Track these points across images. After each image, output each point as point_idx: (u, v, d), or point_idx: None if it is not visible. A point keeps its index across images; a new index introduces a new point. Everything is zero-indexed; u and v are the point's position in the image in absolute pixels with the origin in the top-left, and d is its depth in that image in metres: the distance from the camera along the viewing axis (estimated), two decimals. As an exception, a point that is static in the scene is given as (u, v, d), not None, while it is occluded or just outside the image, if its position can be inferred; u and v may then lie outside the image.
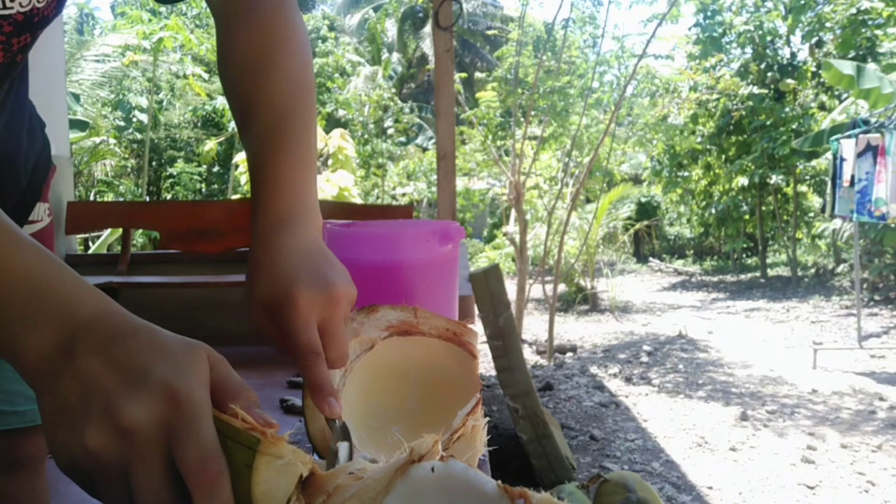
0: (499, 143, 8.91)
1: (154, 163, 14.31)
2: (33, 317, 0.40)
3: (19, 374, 0.41)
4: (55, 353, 0.40)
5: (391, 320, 0.63)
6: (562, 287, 9.13)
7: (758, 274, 12.10)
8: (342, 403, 0.54)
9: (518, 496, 0.38)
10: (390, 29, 20.30)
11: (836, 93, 10.46)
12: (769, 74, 10.90)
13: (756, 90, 10.46)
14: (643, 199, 14.96)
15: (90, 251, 7.69)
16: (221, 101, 13.94)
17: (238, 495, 0.38)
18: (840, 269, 10.43)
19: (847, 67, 6.70)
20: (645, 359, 6.04)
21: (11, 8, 0.58)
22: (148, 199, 13.09)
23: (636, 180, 14.92)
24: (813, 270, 11.37)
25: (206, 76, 14.50)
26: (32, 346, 0.40)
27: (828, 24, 9.83)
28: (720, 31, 11.48)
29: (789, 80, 10.66)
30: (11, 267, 0.41)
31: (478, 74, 12.50)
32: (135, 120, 12.61)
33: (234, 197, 10.85)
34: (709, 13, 11.60)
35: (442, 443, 0.48)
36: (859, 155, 5.22)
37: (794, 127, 10.17)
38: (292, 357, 0.57)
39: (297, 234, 0.59)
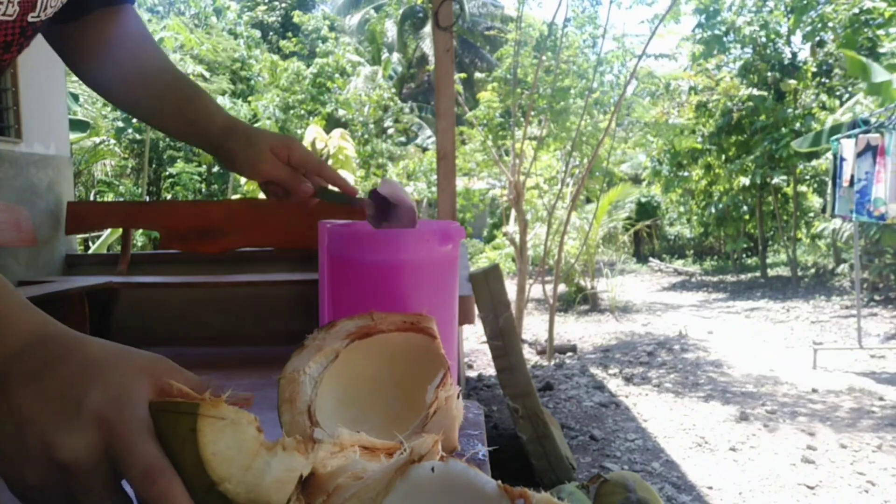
0: (499, 143, 8.91)
1: (154, 163, 14.30)
2: None
3: None
4: None
5: (350, 329, 0.63)
6: (562, 287, 9.13)
7: (758, 274, 12.10)
8: (317, 419, 0.56)
9: (518, 496, 0.38)
10: (390, 29, 20.29)
11: (837, 93, 10.46)
12: (770, 74, 10.89)
13: (756, 91, 10.46)
14: (643, 199, 14.95)
15: (90, 251, 7.69)
16: (222, 101, 13.94)
17: (191, 461, 0.38)
18: (840, 269, 10.43)
19: (863, 59, 6.75)
20: (645, 359, 6.04)
21: (41, 17, 0.65)
22: (148, 199, 13.08)
23: (636, 180, 14.91)
24: (813, 270, 11.37)
25: (206, 75, 14.49)
26: None
27: (829, 24, 9.83)
28: (723, 29, 11.48)
29: (790, 80, 10.66)
30: None
31: (477, 74, 12.50)
32: (134, 120, 12.61)
33: (234, 197, 10.85)
34: (710, 12, 11.60)
35: (420, 421, 0.49)
36: (859, 155, 5.22)
37: (795, 127, 10.17)
38: (304, 182, 0.82)
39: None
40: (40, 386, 0.39)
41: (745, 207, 11.49)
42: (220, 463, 0.38)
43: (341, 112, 13.36)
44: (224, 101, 13.95)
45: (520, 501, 0.38)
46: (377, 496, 0.39)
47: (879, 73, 6.55)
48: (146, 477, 0.37)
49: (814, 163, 10.20)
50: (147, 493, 0.37)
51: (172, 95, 0.83)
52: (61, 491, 0.38)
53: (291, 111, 13.72)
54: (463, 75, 13.48)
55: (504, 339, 2.94)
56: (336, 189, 0.86)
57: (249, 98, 14.91)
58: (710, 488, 3.24)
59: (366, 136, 12.45)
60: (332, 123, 13.25)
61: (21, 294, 0.44)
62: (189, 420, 0.38)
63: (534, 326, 7.97)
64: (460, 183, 10.37)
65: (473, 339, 6.84)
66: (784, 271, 11.82)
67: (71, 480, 0.38)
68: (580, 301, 9.36)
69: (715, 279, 12.23)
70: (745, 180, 10.81)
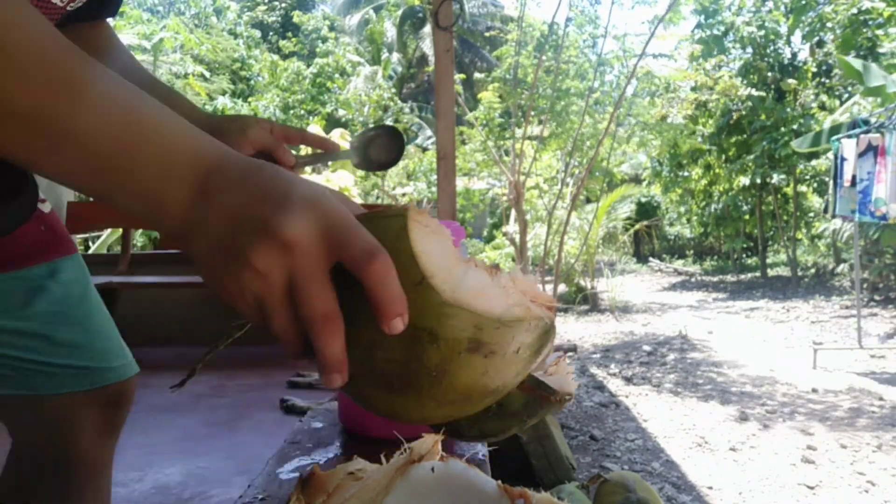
0: (499, 143, 8.91)
1: (154, 163, 14.28)
2: (168, 172, 0.42)
3: (164, 231, 0.43)
4: (195, 199, 0.42)
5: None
6: (562, 287, 9.13)
7: (758, 274, 12.10)
8: None
9: (518, 496, 0.38)
10: (390, 29, 20.29)
11: (837, 93, 10.46)
12: (770, 74, 10.90)
13: (755, 92, 10.46)
14: (643, 199, 14.95)
15: (90, 251, 7.69)
16: (222, 101, 13.94)
17: (404, 255, 0.41)
18: (840, 269, 10.43)
19: (857, 63, 6.75)
20: (645, 359, 6.04)
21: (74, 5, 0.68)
22: (148, 198, 13.07)
23: (636, 180, 14.92)
24: (813, 270, 11.37)
25: (206, 75, 14.49)
26: (173, 197, 0.42)
27: (829, 25, 9.83)
28: (722, 30, 11.48)
29: (790, 80, 10.66)
30: (144, 128, 0.42)
31: (477, 75, 12.49)
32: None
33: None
34: (709, 12, 11.60)
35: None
36: (861, 155, 5.22)
37: (794, 127, 10.17)
38: (287, 151, 0.83)
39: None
40: (247, 188, 0.42)
41: (744, 207, 11.49)
42: (429, 259, 0.40)
43: (341, 112, 13.36)
44: (224, 101, 13.95)
45: (520, 501, 0.38)
46: (377, 496, 0.39)
47: (875, 77, 6.55)
48: (368, 254, 0.39)
49: (814, 163, 10.20)
50: (368, 266, 0.39)
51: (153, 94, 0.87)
52: (282, 274, 0.40)
53: (291, 111, 13.72)
54: (463, 76, 13.47)
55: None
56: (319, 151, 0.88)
57: (249, 98, 14.91)
58: (710, 488, 3.24)
59: (366, 136, 12.44)
60: (332, 123, 13.25)
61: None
62: (400, 221, 0.42)
63: (534, 326, 7.96)
64: (460, 183, 10.37)
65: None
66: (784, 271, 11.82)
67: (294, 260, 0.39)
68: (580, 301, 9.36)
69: (715, 279, 12.23)
70: (744, 180, 10.81)
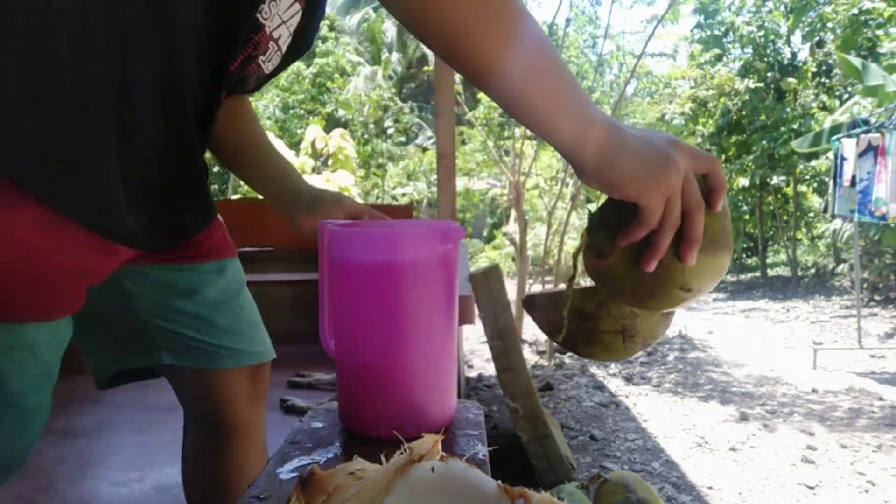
0: (499, 143, 8.91)
1: (154, 163, 14.29)
2: (563, 110, 0.62)
3: (558, 145, 0.64)
4: (610, 139, 0.63)
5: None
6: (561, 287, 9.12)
7: (758, 274, 12.10)
8: None
9: (518, 496, 0.38)
10: (390, 29, 20.29)
11: (837, 93, 10.46)
12: (770, 74, 10.90)
13: (752, 84, 10.46)
14: (643, 199, 14.94)
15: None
16: (221, 101, 13.93)
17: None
18: (840, 269, 10.43)
19: (857, 62, 6.75)
20: (645, 359, 6.04)
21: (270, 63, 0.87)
22: (148, 198, 13.06)
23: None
24: (813, 270, 11.37)
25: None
26: (564, 126, 0.63)
27: (829, 24, 9.83)
28: (722, 30, 11.49)
29: (790, 80, 10.66)
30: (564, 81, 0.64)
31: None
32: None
33: (234, 197, 10.85)
34: (709, 12, 11.60)
35: None
36: (861, 155, 5.22)
37: (794, 127, 10.17)
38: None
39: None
40: (639, 136, 0.64)
41: (745, 207, 11.49)
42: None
43: (341, 112, 13.37)
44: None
45: (520, 501, 0.38)
46: (377, 496, 0.39)
47: (874, 76, 6.55)
48: (697, 203, 0.62)
49: (814, 163, 10.21)
50: (695, 214, 0.62)
51: (270, 163, 1.11)
52: (674, 193, 0.62)
53: (291, 111, 13.72)
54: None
55: (504, 339, 2.94)
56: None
57: (249, 98, 14.92)
58: (710, 488, 3.24)
59: (366, 136, 12.45)
60: (332, 123, 13.25)
61: None
62: None
63: (534, 326, 7.96)
64: (460, 183, 10.37)
65: (473, 339, 6.84)
66: (784, 271, 11.83)
67: (679, 185, 0.62)
68: (580, 301, 9.34)
69: (715, 279, 12.22)
70: (744, 180, 10.82)
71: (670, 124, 10.62)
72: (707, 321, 8.04)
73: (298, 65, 13.90)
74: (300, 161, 10.46)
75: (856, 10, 9.10)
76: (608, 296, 0.69)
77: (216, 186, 15.04)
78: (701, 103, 11.12)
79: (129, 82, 0.66)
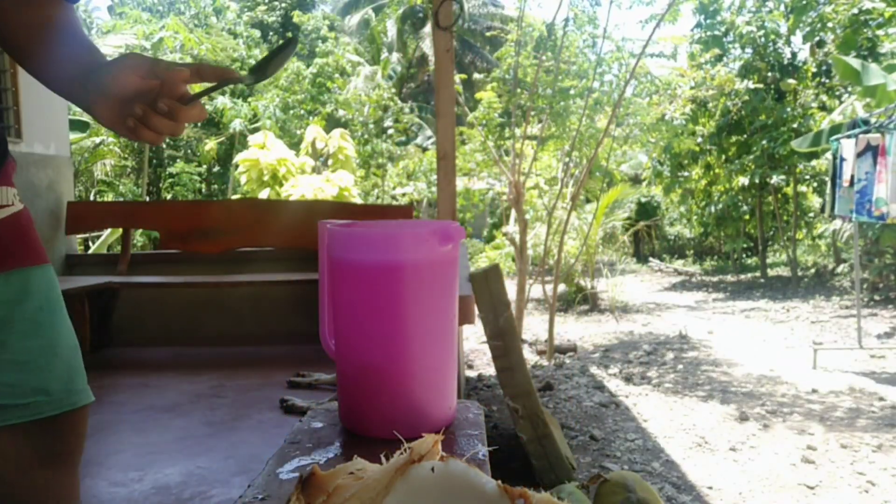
0: (499, 143, 8.91)
1: (154, 163, 14.29)
2: None
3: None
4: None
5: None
6: (562, 287, 9.13)
7: (758, 274, 12.10)
8: None
9: (518, 496, 0.38)
10: (390, 29, 20.29)
11: (837, 93, 10.46)
12: (770, 74, 10.90)
13: (752, 85, 10.46)
14: (643, 199, 14.95)
15: (90, 251, 7.68)
16: (222, 101, 13.94)
17: None
18: (840, 269, 10.43)
19: (855, 63, 6.74)
20: (645, 359, 6.04)
21: None
22: (148, 199, 13.07)
23: (636, 180, 14.92)
24: (813, 270, 11.37)
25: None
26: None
27: (829, 24, 9.83)
28: (722, 30, 11.48)
29: (790, 80, 10.66)
30: None
31: (477, 75, 12.50)
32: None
33: (234, 197, 10.85)
34: (709, 12, 11.60)
35: None
36: (859, 155, 5.22)
37: (794, 127, 10.17)
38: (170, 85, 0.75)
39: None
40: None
41: (744, 207, 11.49)
42: None
43: (341, 112, 13.36)
44: (224, 101, 13.96)
45: (520, 501, 0.38)
46: (377, 496, 0.39)
47: (873, 76, 6.55)
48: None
49: (813, 163, 10.20)
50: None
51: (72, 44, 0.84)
52: None
53: (291, 111, 13.72)
54: (463, 76, 13.47)
55: (504, 339, 2.94)
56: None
57: (249, 98, 14.92)
58: (710, 488, 3.24)
59: (366, 136, 12.45)
60: (332, 123, 13.25)
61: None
62: None
63: (534, 326, 7.97)
64: (460, 183, 10.36)
65: (473, 339, 6.84)
66: (784, 271, 11.83)
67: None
68: (580, 301, 9.36)
69: (715, 279, 12.23)
70: (744, 180, 10.81)
71: (670, 124, 10.61)
72: (707, 321, 8.04)
73: (298, 65, 13.91)
74: (300, 161, 10.45)
75: (856, 10, 9.09)
76: None
77: (216, 186, 15.04)
78: (701, 103, 11.11)
79: None
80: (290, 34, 17.80)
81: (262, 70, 0.75)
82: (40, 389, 0.79)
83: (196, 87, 0.79)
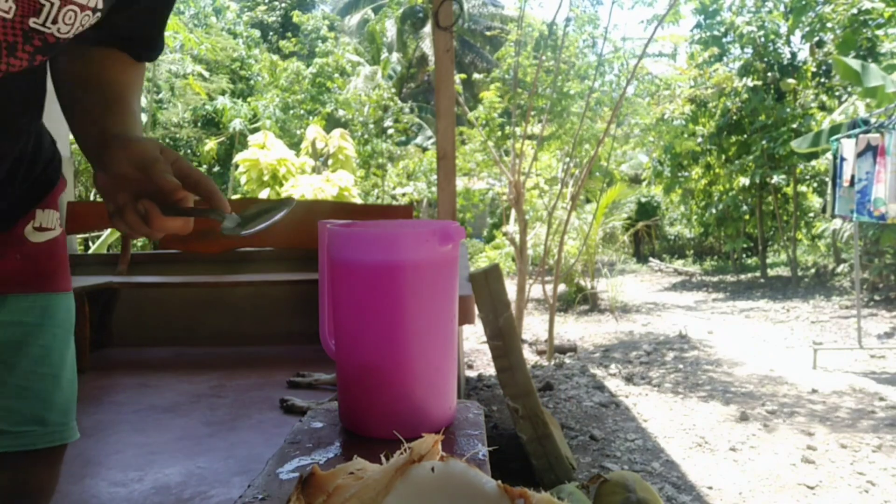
0: (499, 143, 8.91)
1: (154, 163, 14.27)
2: None
3: None
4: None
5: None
6: (562, 287, 9.13)
7: (758, 274, 12.10)
8: None
9: (518, 496, 0.38)
10: (390, 29, 20.29)
11: (837, 93, 10.46)
12: (770, 74, 10.90)
13: (751, 83, 10.46)
14: (643, 199, 14.95)
15: (90, 251, 7.68)
16: (222, 101, 13.94)
17: None
18: (840, 269, 10.43)
19: (855, 64, 6.74)
20: (645, 359, 6.04)
21: (49, 29, 0.64)
22: (148, 198, 13.04)
23: (636, 180, 14.92)
24: (813, 270, 11.37)
25: (206, 75, 14.48)
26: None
27: (828, 25, 9.83)
28: (722, 30, 11.49)
29: (790, 80, 10.66)
30: None
31: (476, 75, 12.50)
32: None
33: (235, 197, 10.84)
34: (709, 12, 11.60)
35: None
36: (859, 155, 5.22)
37: (794, 126, 10.17)
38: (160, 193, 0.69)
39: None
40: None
41: (744, 207, 11.49)
42: None
43: (341, 112, 13.36)
44: (224, 101, 13.96)
45: (520, 501, 0.38)
46: (377, 496, 0.40)
47: (873, 77, 6.54)
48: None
49: (813, 163, 10.20)
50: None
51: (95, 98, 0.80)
52: None
53: (291, 111, 13.72)
54: (463, 76, 13.47)
55: (504, 339, 2.94)
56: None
57: (249, 98, 14.92)
58: (710, 488, 3.24)
59: (366, 136, 12.45)
60: (332, 123, 13.24)
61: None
62: None
63: (534, 326, 7.97)
64: (460, 183, 10.37)
65: (473, 339, 6.84)
66: (784, 271, 11.82)
67: None
68: (580, 301, 9.36)
69: (715, 279, 12.23)
70: (744, 180, 10.81)
71: (670, 124, 10.62)
72: (707, 321, 8.04)
73: (298, 64, 13.91)
74: (300, 161, 10.45)
75: (855, 10, 9.09)
76: None
77: (216, 186, 15.03)
78: (701, 103, 11.11)
79: None
80: (290, 34, 17.81)
81: (251, 222, 0.70)
82: (37, 419, 0.77)
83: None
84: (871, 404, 4.50)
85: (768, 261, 12.63)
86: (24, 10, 0.61)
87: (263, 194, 9.42)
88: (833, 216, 6.14)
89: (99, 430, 2.24)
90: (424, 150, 14.58)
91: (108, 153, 0.71)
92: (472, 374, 5.47)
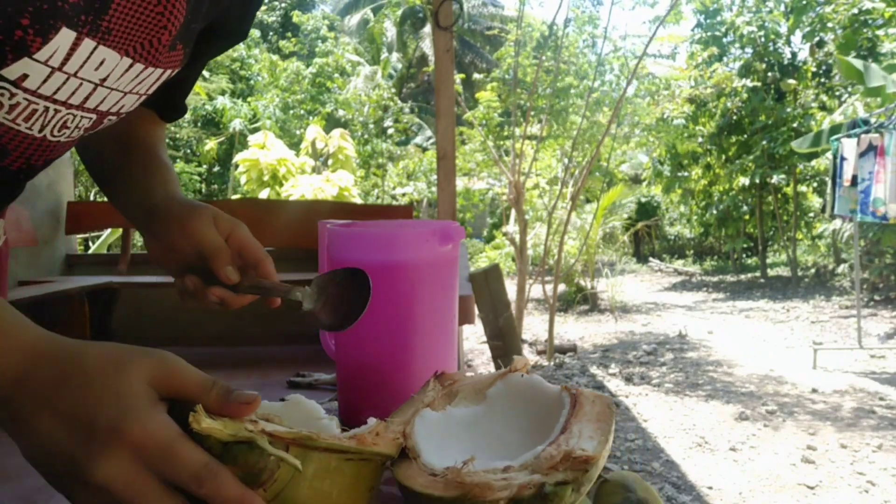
0: (499, 143, 8.91)
1: (154, 163, 14.27)
2: None
3: None
4: (4, 414, 0.40)
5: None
6: (562, 287, 9.13)
7: (758, 274, 12.10)
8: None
9: (572, 392, 0.57)
10: (389, 29, 20.30)
11: (837, 93, 10.46)
12: (770, 74, 10.90)
13: (750, 83, 10.47)
14: (643, 199, 14.95)
15: (90, 251, 7.69)
16: (222, 101, 13.94)
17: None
18: (840, 269, 10.43)
19: (858, 64, 6.74)
20: (645, 359, 6.04)
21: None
22: (148, 198, 13.04)
23: (636, 180, 14.91)
24: (813, 270, 11.37)
25: (206, 75, 14.48)
26: None
27: (829, 25, 9.83)
28: (722, 30, 11.49)
29: (790, 80, 10.66)
30: None
31: (476, 75, 12.51)
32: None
33: (234, 197, 10.85)
34: (709, 13, 11.60)
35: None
36: (861, 155, 5.22)
37: (794, 127, 10.17)
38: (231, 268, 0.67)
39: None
40: (51, 411, 0.39)
41: (745, 207, 11.49)
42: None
43: (341, 112, 13.36)
44: (224, 101, 13.96)
45: (569, 394, 0.57)
46: (483, 388, 0.62)
47: (875, 77, 6.54)
48: (196, 479, 0.39)
49: (813, 163, 10.21)
50: (201, 489, 0.39)
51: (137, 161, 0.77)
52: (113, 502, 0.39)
53: (291, 111, 13.72)
54: (462, 76, 13.48)
55: (504, 339, 2.94)
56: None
57: (249, 98, 14.91)
58: (710, 488, 3.24)
59: (366, 136, 12.45)
60: (332, 123, 13.24)
61: (10, 308, 0.43)
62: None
63: (534, 326, 7.97)
64: (460, 183, 10.37)
65: (473, 339, 6.84)
66: (784, 271, 11.82)
67: (119, 498, 0.38)
68: (580, 301, 9.36)
69: (715, 279, 12.23)
70: (744, 180, 10.81)
71: (670, 124, 10.62)
72: (707, 321, 8.04)
73: (298, 64, 13.92)
74: (300, 161, 10.46)
75: (856, 10, 9.10)
76: None
77: (216, 186, 15.04)
78: (701, 104, 11.11)
79: None
80: (290, 34, 17.79)
81: (322, 293, 0.66)
82: None
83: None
84: (872, 404, 4.50)
85: (768, 261, 12.63)
86: (95, 125, 0.60)
87: (263, 194, 9.42)
88: (833, 216, 6.14)
89: (99, 430, 2.24)
90: (424, 150, 14.58)
91: (160, 225, 0.69)
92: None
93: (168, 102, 0.77)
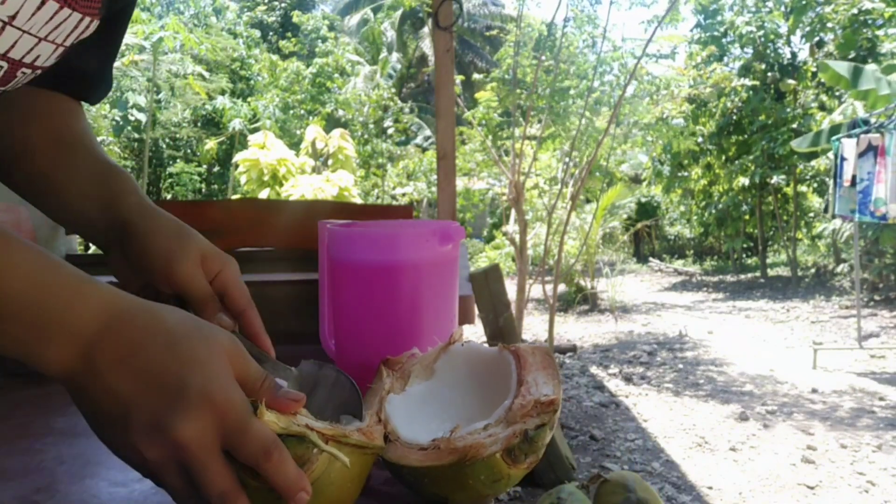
0: (499, 143, 8.91)
1: (154, 162, 14.30)
2: (43, 333, 0.40)
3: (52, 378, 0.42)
4: (79, 366, 0.41)
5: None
6: (562, 287, 9.13)
7: (758, 274, 12.10)
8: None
9: (511, 351, 0.61)
10: (389, 29, 20.30)
11: (837, 93, 10.47)
12: (770, 74, 10.90)
13: (749, 82, 10.47)
14: (643, 199, 14.95)
15: (90, 251, 7.68)
16: (221, 101, 13.94)
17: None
18: (840, 269, 10.43)
19: (843, 69, 6.70)
20: (645, 359, 6.04)
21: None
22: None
23: (636, 180, 14.91)
24: (813, 270, 11.37)
25: (206, 75, 14.48)
26: (53, 359, 0.41)
27: (829, 25, 9.83)
28: (721, 30, 11.49)
29: (790, 80, 10.66)
30: (9, 283, 0.40)
31: (476, 75, 12.51)
32: (132, 119, 12.59)
33: (234, 197, 10.85)
34: (709, 13, 11.60)
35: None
36: (861, 155, 5.22)
37: (794, 127, 10.17)
38: (220, 314, 0.62)
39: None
40: (133, 368, 0.41)
41: (745, 207, 11.49)
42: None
43: (341, 112, 13.36)
44: (223, 101, 13.96)
45: (509, 351, 0.61)
46: (430, 363, 0.64)
47: (864, 80, 6.52)
48: (265, 453, 0.41)
49: (813, 163, 10.21)
50: (266, 464, 0.41)
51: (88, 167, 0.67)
52: (175, 464, 0.41)
53: (291, 111, 13.72)
54: (462, 76, 13.47)
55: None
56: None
57: (249, 98, 14.91)
58: (710, 488, 3.24)
59: (366, 136, 12.45)
60: (331, 123, 13.24)
61: (79, 270, 0.44)
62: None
63: (534, 326, 7.97)
64: (460, 183, 10.37)
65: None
66: (784, 271, 11.82)
67: (187, 456, 0.40)
68: (580, 301, 9.36)
69: (715, 279, 12.23)
70: (744, 180, 10.81)
71: (670, 124, 10.62)
72: (707, 321, 8.04)
73: (298, 64, 13.92)
74: (300, 161, 10.46)
75: (856, 11, 9.10)
76: None
77: (216, 186, 15.04)
78: (701, 103, 11.11)
79: None
80: (290, 34, 17.80)
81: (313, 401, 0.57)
82: None
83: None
84: (871, 404, 4.50)
85: (768, 261, 12.63)
86: None
87: (263, 194, 9.42)
88: (833, 216, 6.14)
89: (99, 430, 2.24)
90: (424, 150, 14.58)
91: (133, 247, 0.63)
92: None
93: (89, 77, 0.67)
